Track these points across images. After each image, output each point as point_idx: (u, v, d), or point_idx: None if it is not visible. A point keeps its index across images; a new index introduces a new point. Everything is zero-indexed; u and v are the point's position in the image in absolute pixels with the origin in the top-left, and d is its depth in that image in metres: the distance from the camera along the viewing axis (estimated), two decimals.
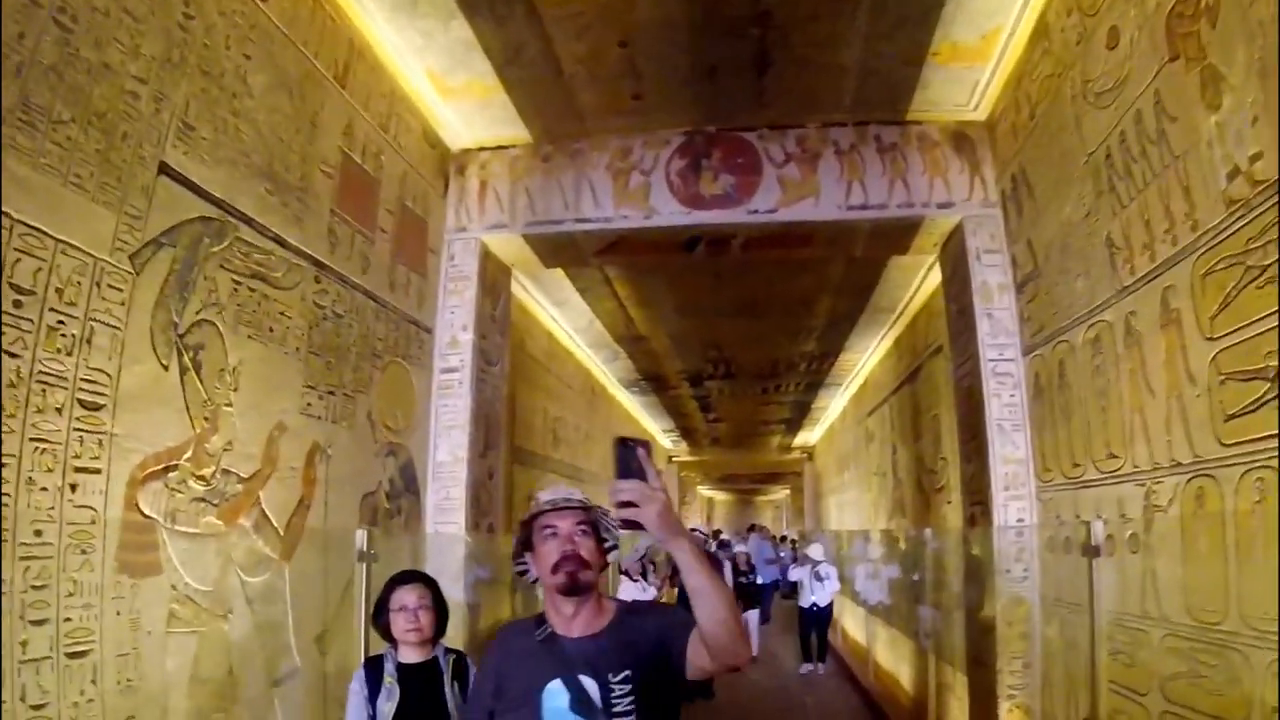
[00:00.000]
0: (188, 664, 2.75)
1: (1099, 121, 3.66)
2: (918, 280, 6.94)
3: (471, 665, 2.71)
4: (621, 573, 7.99)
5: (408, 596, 2.62)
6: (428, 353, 5.11)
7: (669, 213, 5.38)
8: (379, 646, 2.75)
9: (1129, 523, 3.42)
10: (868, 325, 8.44)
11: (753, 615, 10.55)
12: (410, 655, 2.62)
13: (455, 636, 5.02)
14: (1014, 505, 4.60)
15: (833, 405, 13.86)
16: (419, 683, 2.57)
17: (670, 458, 20.90)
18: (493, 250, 5.70)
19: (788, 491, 26.72)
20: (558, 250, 5.83)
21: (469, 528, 4.98)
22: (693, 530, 8.61)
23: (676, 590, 8.56)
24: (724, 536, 13.01)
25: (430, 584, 2.70)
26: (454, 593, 4.85)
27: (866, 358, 9.90)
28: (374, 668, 2.60)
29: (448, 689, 2.58)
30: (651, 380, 11.50)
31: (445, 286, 5.49)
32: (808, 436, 18.37)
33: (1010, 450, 4.68)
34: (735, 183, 5.35)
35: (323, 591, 3.15)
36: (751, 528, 22.59)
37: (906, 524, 8.24)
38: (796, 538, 20.47)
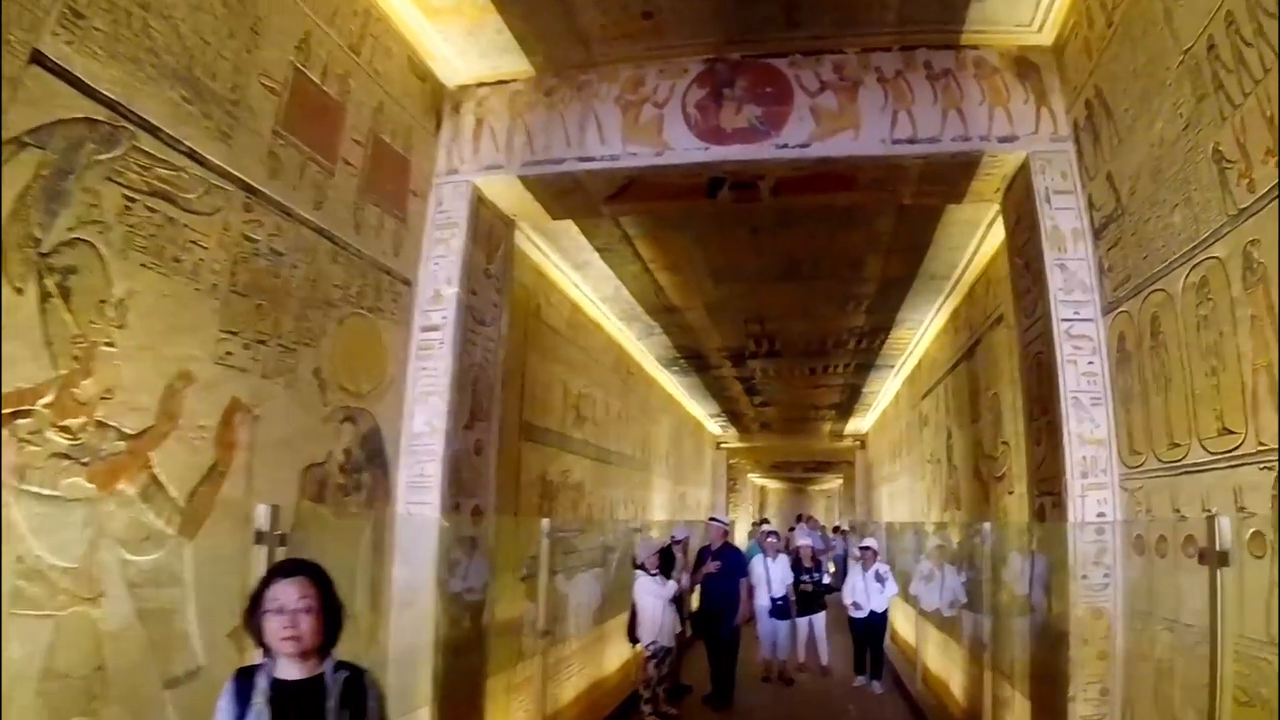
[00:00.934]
0: (39, 654, 2.24)
1: (1196, 6, 2.88)
2: (976, 240, 6.06)
3: (372, 688, 2.12)
4: (636, 567, 7.39)
5: (286, 593, 2.03)
6: (405, 308, 4.56)
7: (685, 149, 4.69)
8: None
9: (1251, 518, 2.62)
10: (922, 295, 7.57)
11: (819, 621, 8.79)
12: (288, 670, 2.04)
13: (421, 641, 4.50)
14: (1093, 496, 3.79)
15: (885, 389, 12.92)
16: (295, 707, 1.99)
17: (718, 443, 20.17)
18: (487, 196, 5.12)
19: (840, 481, 25.66)
20: (562, 197, 5.20)
21: (446, 509, 4.41)
22: (712, 520, 7.95)
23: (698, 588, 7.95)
24: (769, 527, 11.39)
25: (318, 578, 2.10)
26: (422, 582, 4.30)
27: (921, 334, 9.00)
28: (246, 681, 2.04)
29: (331, 718, 1.99)
30: (692, 359, 10.81)
31: (431, 235, 4.92)
32: (859, 424, 17.39)
33: (1089, 429, 3.86)
34: (762, 114, 4.63)
35: (240, 578, 2.62)
36: (800, 518, 21.72)
37: (961, 516, 7.39)
38: (849, 528, 19.53)
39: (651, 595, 7.31)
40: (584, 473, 8.38)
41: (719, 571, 7.65)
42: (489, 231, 5.25)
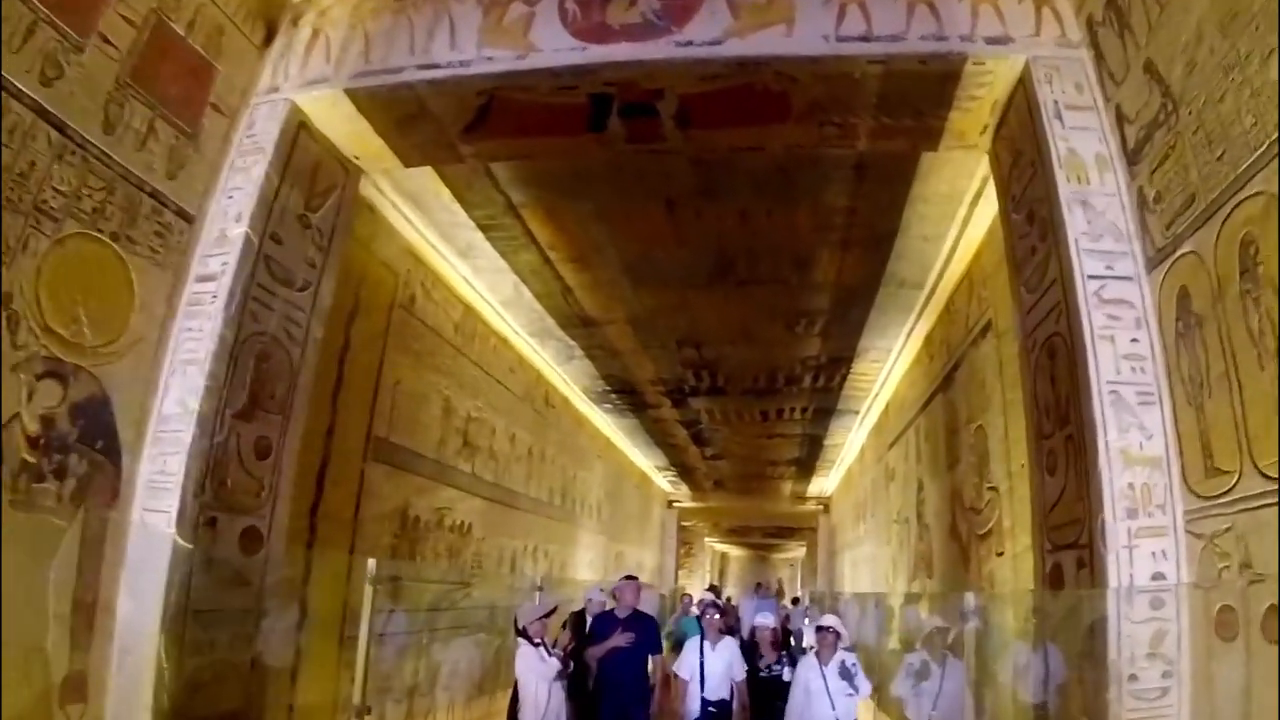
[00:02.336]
0: None
1: None
2: (956, 224, 4.77)
3: None
4: (519, 634, 5.73)
5: None
6: (179, 250, 3.44)
7: (555, 49, 3.41)
8: None
9: None
10: (889, 312, 6.25)
11: None
12: None
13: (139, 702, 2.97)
14: (1146, 546, 2.37)
15: (849, 442, 11.52)
16: None
17: (670, 501, 18.53)
18: (314, 122, 3.88)
19: (805, 548, 24.00)
20: (407, 127, 3.88)
21: (189, 522, 3.05)
22: (626, 578, 6.19)
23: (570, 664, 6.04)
24: (711, 598, 8.14)
25: None
26: (146, 624, 2.99)
27: (888, 368, 7.66)
28: None
29: None
30: (624, 394, 9.35)
31: (233, 164, 3.69)
32: (823, 484, 15.93)
33: (1137, 441, 2.47)
34: (661, 6, 3.33)
35: None
36: (758, 586, 19.93)
37: (933, 585, 5.90)
38: (809, 600, 17.80)
39: (534, 673, 5.63)
40: (472, 514, 6.80)
41: (630, 647, 5.99)
42: (312, 170, 3.97)
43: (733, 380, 8.37)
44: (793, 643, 17.37)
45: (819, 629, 4.50)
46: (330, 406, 4.88)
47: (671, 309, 6.43)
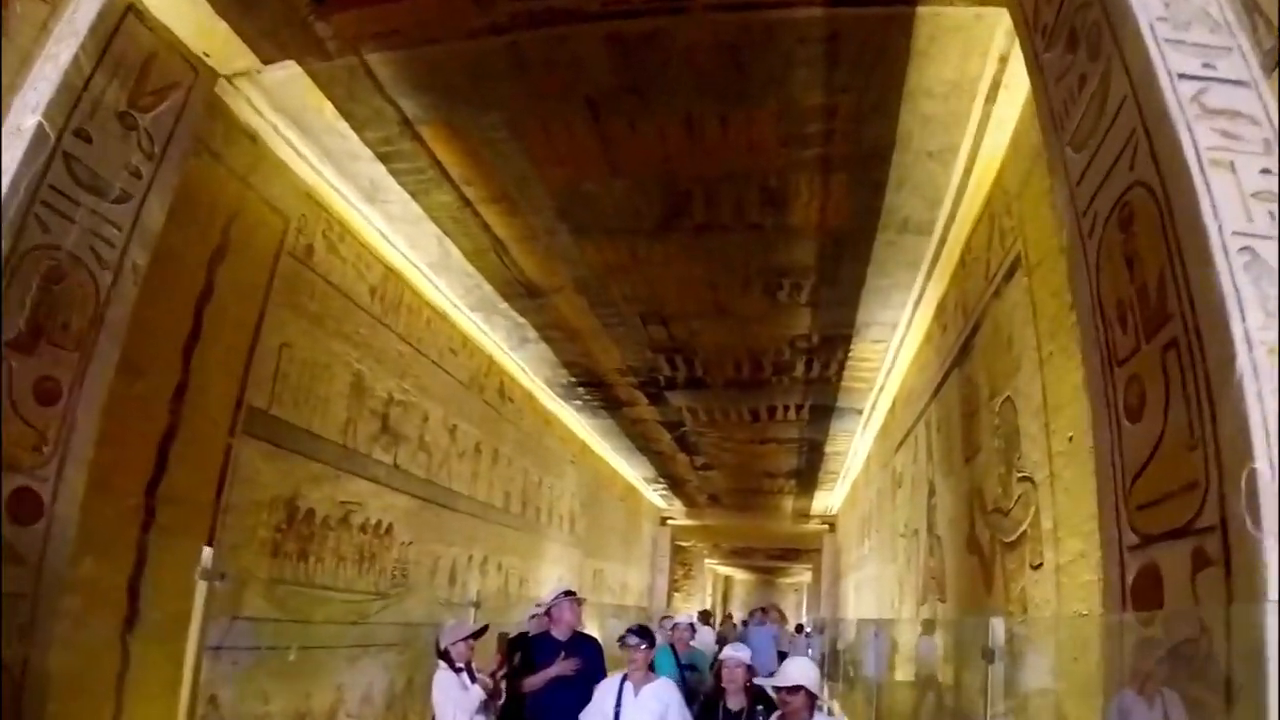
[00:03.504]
0: None
1: None
2: (969, 132, 3.65)
3: None
4: (439, 654, 4.61)
5: None
6: None
7: None
8: None
9: None
10: (890, 268, 5.10)
11: None
12: None
13: None
14: None
15: (854, 450, 10.32)
16: None
17: (663, 518, 17.30)
18: (147, 7, 2.91)
19: (811, 572, 22.59)
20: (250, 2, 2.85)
21: None
22: (565, 594, 4.98)
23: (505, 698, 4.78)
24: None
25: None
26: None
27: (893, 351, 6.50)
28: None
29: None
30: (593, 387, 8.24)
31: (46, 53, 2.89)
32: (827, 501, 14.67)
33: None
34: None
35: None
36: (764, 610, 18.56)
37: (946, 610, 4.71)
38: (816, 629, 16.45)
39: (453, 703, 4.50)
40: (393, 513, 5.71)
41: (572, 676, 4.79)
42: (143, 63, 3.28)
43: (712, 368, 7.23)
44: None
45: (782, 693, 2.99)
46: (182, 362, 3.86)
47: (623, 269, 5.33)
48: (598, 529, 11.74)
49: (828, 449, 10.44)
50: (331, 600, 5.01)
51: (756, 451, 10.76)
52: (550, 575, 9.40)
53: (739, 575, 31.03)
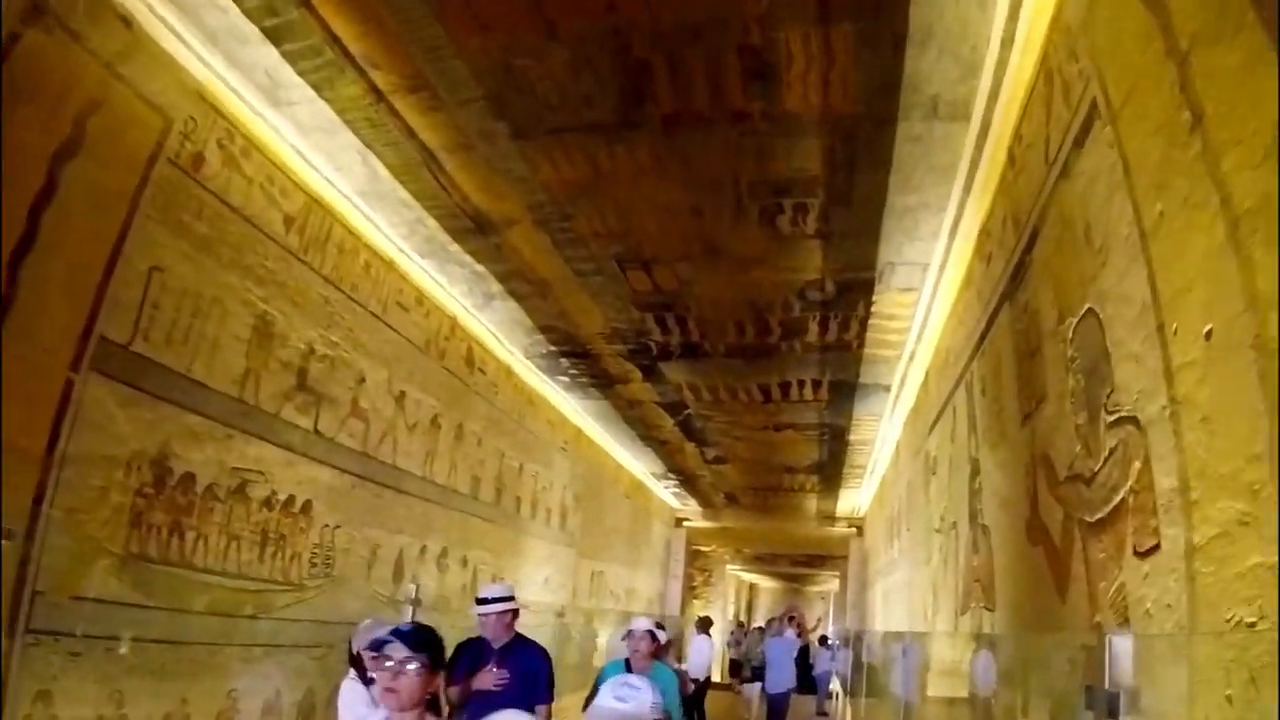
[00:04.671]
0: None
1: None
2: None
3: None
4: (351, 659, 3.66)
5: None
6: None
7: None
8: None
9: None
10: (918, 180, 3.97)
11: None
12: None
13: None
14: None
15: (882, 438, 9.12)
16: None
17: (679, 519, 16.16)
18: None
19: (839, 579, 21.21)
20: None
21: None
22: (484, 598, 3.94)
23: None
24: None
25: None
26: None
27: (925, 302, 5.34)
28: None
29: None
30: (575, 357, 7.18)
31: None
32: (854, 501, 13.42)
33: None
34: None
35: None
36: (790, 618, 17.35)
37: (996, 620, 3.55)
38: (837, 643, 15.18)
39: (355, 717, 3.64)
40: (313, 489, 4.73)
41: (503, 691, 3.75)
42: None
43: (710, 331, 6.13)
44: (818, 690, 14.78)
45: None
46: (5, 273, 2.96)
47: (584, 189, 4.28)
48: (597, 527, 10.68)
49: (852, 437, 9.25)
50: (218, 587, 4.04)
51: (773, 441, 9.61)
52: (535, 576, 8.37)
53: (765, 583, 29.69)
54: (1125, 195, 2.23)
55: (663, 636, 4.82)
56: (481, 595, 3.97)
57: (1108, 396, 2.36)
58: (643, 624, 4.62)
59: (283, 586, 4.52)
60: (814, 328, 5.90)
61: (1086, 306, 2.57)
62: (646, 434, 9.91)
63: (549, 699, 3.88)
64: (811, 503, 13.89)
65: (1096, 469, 2.41)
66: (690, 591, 18.84)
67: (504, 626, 3.89)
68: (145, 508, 3.64)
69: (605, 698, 1.87)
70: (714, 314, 5.81)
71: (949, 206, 4.13)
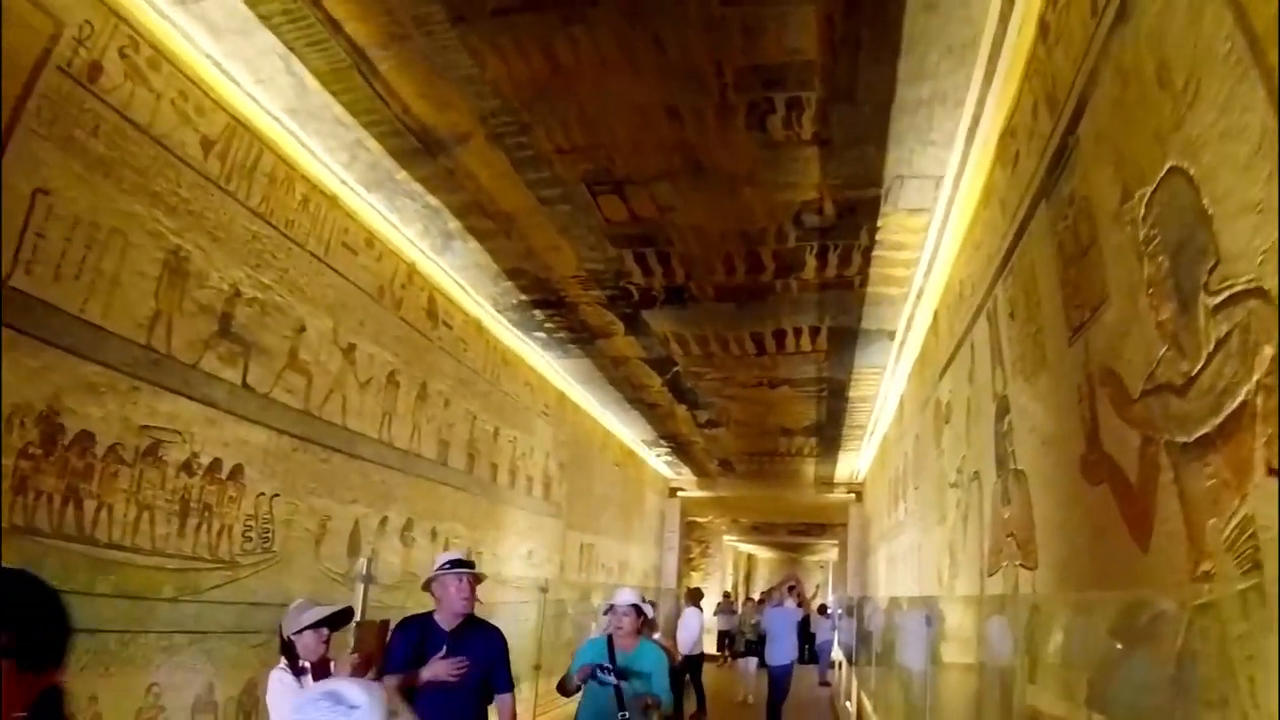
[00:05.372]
0: None
1: None
2: None
3: None
4: (282, 647, 3.10)
5: None
6: None
7: None
8: None
9: None
10: (929, 65, 3.36)
11: None
12: None
13: None
14: None
15: (884, 394, 8.56)
16: None
17: (672, 489, 15.66)
18: None
19: (837, 548, 20.82)
20: None
21: None
22: (450, 564, 3.38)
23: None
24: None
25: None
26: None
27: (939, 217, 4.72)
28: None
29: None
30: (549, 306, 6.57)
31: None
32: (853, 465, 12.91)
33: None
34: None
35: None
36: (789, 588, 16.90)
37: (1038, 581, 2.99)
38: (838, 611, 14.77)
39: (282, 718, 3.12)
40: (243, 452, 4.15)
41: (458, 682, 3.18)
42: None
43: (696, 268, 5.52)
44: (819, 660, 14.39)
45: None
46: None
47: (540, 89, 3.64)
48: (586, 497, 10.14)
49: (852, 393, 8.69)
50: (127, 564, 3.47)
51: (768, 400, 9.05)
52: (517, 549, 7.82)
53: (762, 554, 29.39)
54: (1221, 2, 1.63)
55: (649, 610, 4.26)
56: (454, 560, 3.41)
57: (1210, 271, 1.76)
58: (626, 597, 4.06)
59: (210, 564, 3.95)
60: (811, 261, 5.29)
61: (1168, 165, 1.96)
62: (634, 396, 9.34)
63: (509, 687, 3.32)
64: (809, 468, 13.39)
65: (1196, 370, 1.82)
66: (688, 564, 18.42)
67: (465, 599, 3.31)
68: (31, 471, 3.08)
69: (303, 712, 1.25)
70: (700, 248, 5.19)
71: (967, 100, 3.50)
